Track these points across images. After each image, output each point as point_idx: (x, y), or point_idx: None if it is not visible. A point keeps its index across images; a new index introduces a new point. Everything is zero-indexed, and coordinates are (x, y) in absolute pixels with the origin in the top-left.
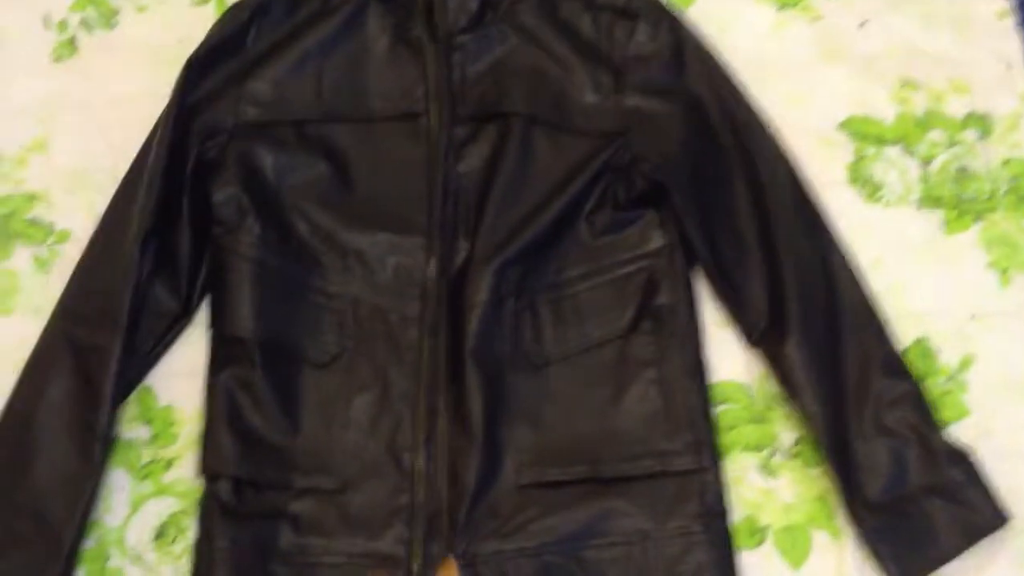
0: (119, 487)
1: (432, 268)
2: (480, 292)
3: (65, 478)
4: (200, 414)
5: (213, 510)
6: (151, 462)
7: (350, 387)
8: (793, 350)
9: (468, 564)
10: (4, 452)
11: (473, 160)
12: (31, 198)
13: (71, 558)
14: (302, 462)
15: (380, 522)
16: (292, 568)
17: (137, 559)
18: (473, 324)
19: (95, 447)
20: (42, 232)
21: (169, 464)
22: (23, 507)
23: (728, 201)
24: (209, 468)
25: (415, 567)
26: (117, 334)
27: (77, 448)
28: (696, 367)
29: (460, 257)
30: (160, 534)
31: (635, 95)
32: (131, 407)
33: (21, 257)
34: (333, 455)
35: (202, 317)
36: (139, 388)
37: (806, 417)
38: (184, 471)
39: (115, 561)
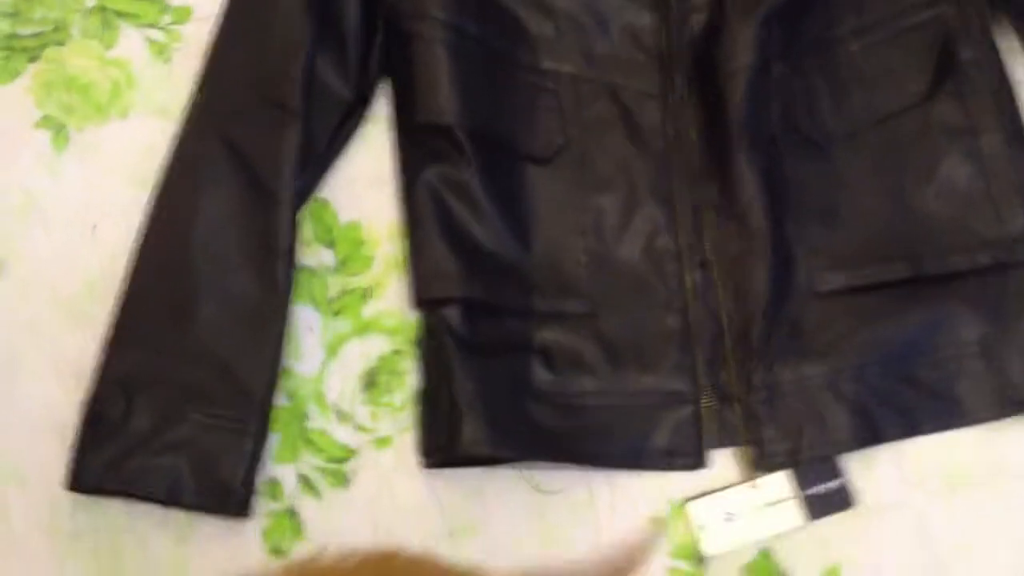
0: (307, 327)
1: (671, 28)
2: (741, 54)
3: (245, 311)
4: (397, 230)
5: (445, 345)
6: (343, 293)
7: (584, 185)
8: None
9: (769, 398)
10: (163, 286)
11: None
12: None
13: (265, 416)
14: (539, 280)
15: (650, 350)
16: (556, 410)
17: (344, 417)
18: (737, 95)
19: (278, 268)
20: (154, 9)
21: (366, 294)
22: (197, 354)
23: None
24: (428, 291)
25: (703, 404)
26: (290, 125)
27: (255, 271)
28: (1019, 134)
29: (700, 14)
30: (370, 383)
31: None
32: (306, 227)
33: (131, 43)
34: (576, 270)
35: (376, 112)
36: (312, 202)
37: None
38: (388, 302)
39: (316, 421)
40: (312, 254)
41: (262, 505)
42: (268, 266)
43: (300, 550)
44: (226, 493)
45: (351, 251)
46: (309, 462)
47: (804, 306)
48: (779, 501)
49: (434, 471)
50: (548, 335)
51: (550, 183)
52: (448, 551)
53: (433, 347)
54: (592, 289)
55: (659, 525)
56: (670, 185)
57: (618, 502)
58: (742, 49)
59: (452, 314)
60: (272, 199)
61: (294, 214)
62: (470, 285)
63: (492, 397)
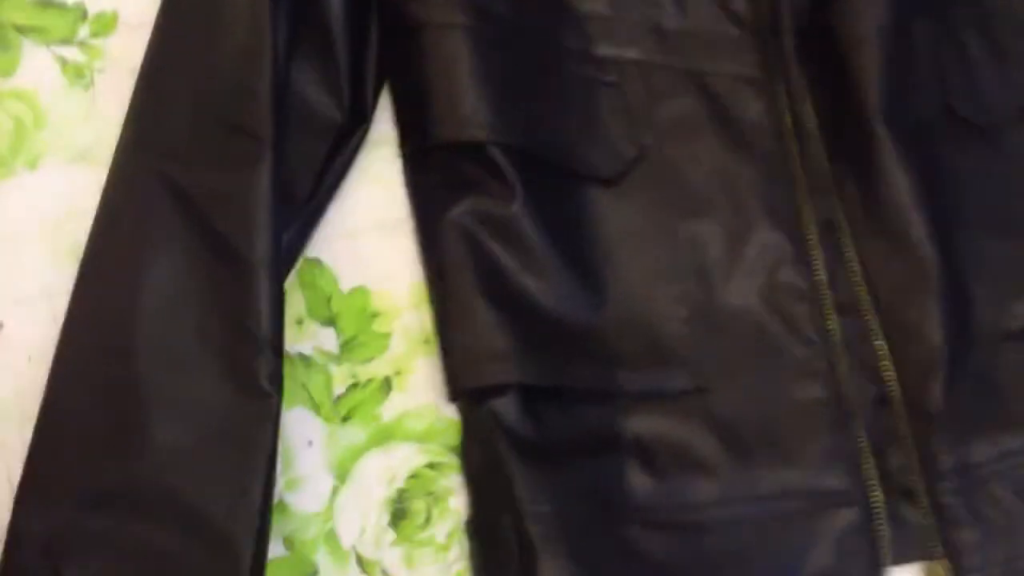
0: (304, 442)
1: None
2: (869, 13)
3: (215, 430)
4: (420, 292)
5: (500, 451)
6: (353, 388)
7: (671, 210)
8: None
9: (964, 486)
10: (97, 405)
11: None
12: None
13: None
14: (622, 347)
15: (788, 434)
16: (666, 532)
17: (368, 566)
18: (870, 70)
19: (258, 363)
20: (66, 19)
21: (385, 387)
22: (151, 501)
23: None
24: (472, 378)
25: (872, 503)
26: (260, 161)
27: (226, 370)
28: None
29: None
30: (400, 513)
31: None
32: (294, 300)
33: (38, 65)
34: (672, 329)
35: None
36: (301, 265)
37: None
38: (415, 395)
39: (328, 574)
40: (306, 337)
41: None
42: (243, 361)
43: None
44: None
45: (360, 328)
46: None
47: (994, 352)
48: None
49: None
50: (642, 424)
51: (624, 211)
52: None
53: (483, 456)
54: (697, 354)
55: None
56: (790, 199)
57: None
58: (870, 6)
59: (506, 406)
60: (242, 266)
61: (277, 284)
62: (528, 364)
63: (575, 523)
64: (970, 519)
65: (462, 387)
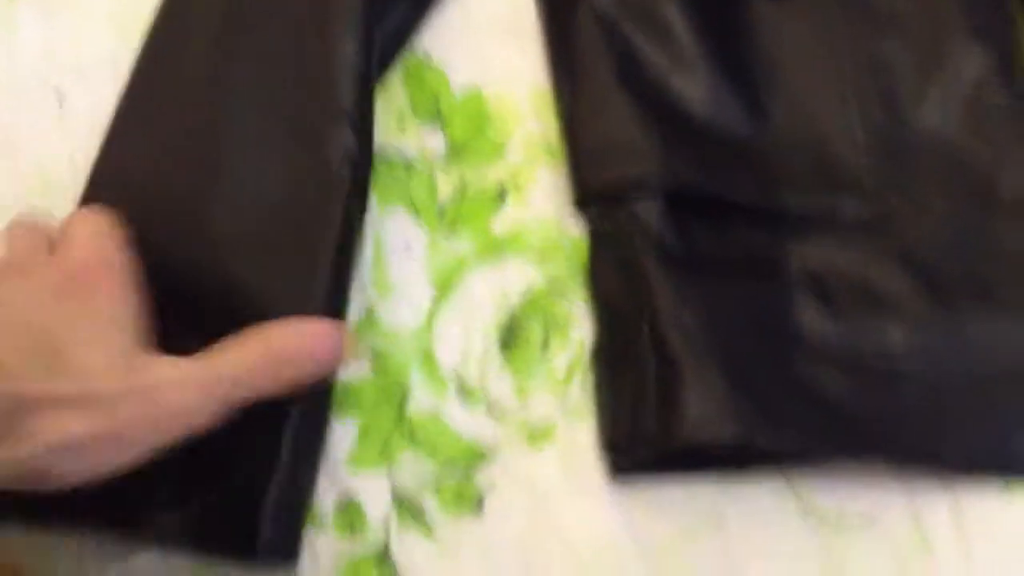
0: (402, 246)
1: None
2: None
3: (283, 213)
4: (545, 96)
5: (642, 260)
6: (461, 196)
7: (850, 26)
8: None
9: None
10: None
11: None
12: None
13: (321, 393)
14: (787, 164)
15: (1002, 272)
16: (848, 375)
17: (471, 394)
18: None
19: (332, 140)
20: None
21: (499, 197)
22: (211, 288)
23: None
24: (605, 169)
25: None
26: None
27: (291, 147)
28: None
29: None
30: (512, 337)
31: None
32: (397, 93)
33: None
34: (850, 155)
35: None
36: (407, 57)
37: None
38: (535, 207)
39: (423, 401)
40: (410, 137)
41: (328, 544)
42: (313, 129)
43: None
44: (250, 527)
45: (473, 132)
46: (413, 470)
47: None
48: None
49: (629, 482)
50: (815, 253)
51: (794, 25)
52: None
53: (618, 268)
54: (879, 181)
55: None
56: (1000, 8)
57: (971, 540)
58: None
59: (648, 211)
60: (326, 27)
61: (368, 55)
62: (675, 162)
63: (730, 342)
64: None
65: (594, 186)
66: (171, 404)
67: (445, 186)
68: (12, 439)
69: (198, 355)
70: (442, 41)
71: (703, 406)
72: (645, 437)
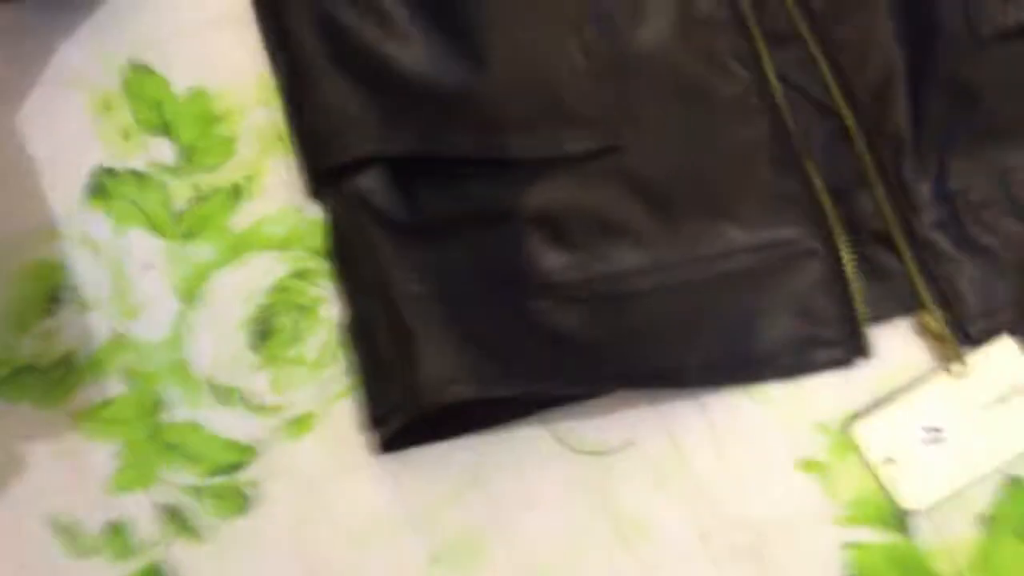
0: (142, 265)
1: None
2: None
3: None
4: (269, 84)
5: (369, 235)
6: (196, 202)
7: None
8: None
9: (951, 215)
10: None
11: None
12: None
13: None
14: (513, 110)
15: (727, 185)
16: (588, 308)
17: (228, 394)
18: None
19: None
20: None
21: (235, 195)
22: None
23: None
24: (329, 155)
25: (844, 253)
26: None
27: None
28: None
29: None
30: (264, 331)
31: None
32: (120, 114)
33: None
34: (572, 83)
35: None
36: (126, 74)
37: None
38: (272, 199)
39: (180, 410)
40: (136, 151)
41: (102, 571)
42: None
43: None
44: None
45: (200, 133)
46: (176, 482)
47: (968, 56)
48: (1012, 392)
49: (396, 455)
50: (546, 194)
51: None
52: None
53: (353, 246)
54: (604, 109)
55: (814, 470)
56: None
57: (726, 449)
58: None
59: (372, 183)
60: None
61: None
62: (392, 131)
63: (461, 302)
64: (962, 253)
65: (321, 167)
66: None
67: (179, 194)
68: None
69: None
70: (160, 48)
71: (439, 368)
72: (395, 408)
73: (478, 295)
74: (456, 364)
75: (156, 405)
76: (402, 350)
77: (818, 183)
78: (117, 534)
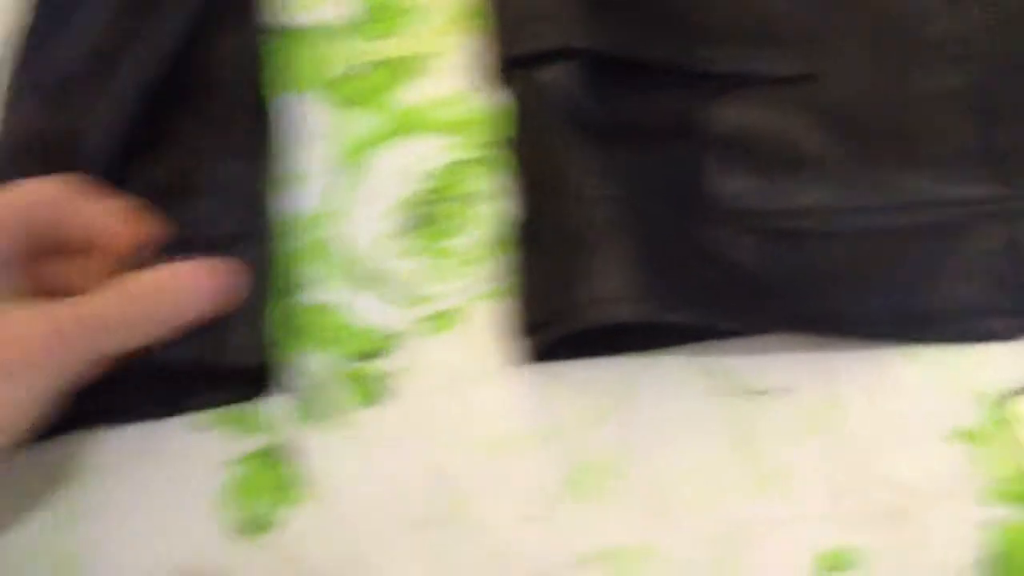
0: (295, 127)
1: None
2: None
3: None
4: None
5: (554, 131)
6: (367, 68)
7: None
8: None
9: None
10: None
11: None
12: None
13: None
14: (709, 18)
15: (920, 130)
16: (761, 241)
17: (375, 279)
18: None
19: None
20: None
21: (407, 68)
22: None
23: None
24: (521, 43)
25: None
26: None
27: None
28: None
29: None
30: (421, 217)
31: None
32: None
33: None
34: (770, 5)
35: None
36: None
37: None
38: (448, 79)
39: (322, 290)
40: (301, 5)
41: (223, 442)
42: None
43: (298, 519)
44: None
45: None
46: (308, 365)
47: None
48: None
49: (538, 367)
50: (734, 113)
51: None
52: (570, 517)
53: (536, 139)
54: (803, 35)
55: (966, 440)
56: None
57: (882, 407)
58: None
59: (566, 76)
60: None
61: None
62: (591, 26)
63: (647, 215)
64: None
65: (513, 53)
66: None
67: (343, 58)
68: None
69: (66, 300)
70: None
71: (612, 283)
72: (554, 317)
73: (657, 212)
74: (630, 281)
75: (294, 285)
76: (574, 258)
77: (1012, 143)
78: (245, 408)
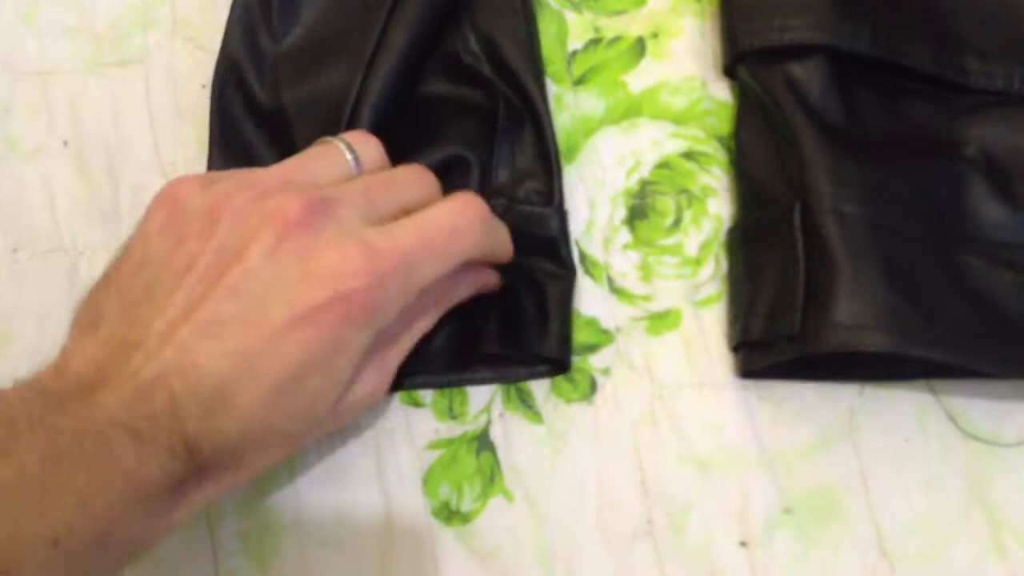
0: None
1: None
2: None
3: None
4: None
5: (796, 130)
6: (595, 43)
7: None
8: None
9: None
10: None
11: None
12: None
13: None
14: (974, 30)
15: None
16: (1016, 273)
17: (592, 267)
18: None
19: None
20: None
21: (637, 48)
22: None
23: None
24: (762, 35)
25: None
26: None
27: None
28: None
29: None
30: (642, 209)
31: None
32: None
33: None
34: None
35: None
36: None
37: None
38: (678, 61)
39: None
40: None
41: (428, 426)
42: None
43: (495, 512)
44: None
45: None
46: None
47: None
48: None
49: (760, 383)
50: (996, 133)
51: None
52: (788, 548)
53: (770, 139)
54: None
55: None
56: None
57: None
58: None
59: (809, 73)
60: None
61: None
62: (842, 21)
63: (889, 234)
64: None
65: (750, 42)
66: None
67: (576, 33)
68: None
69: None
70: None
71: (857, 308)
72: (785, 336)
73: (910, 231)
74: (877, 308)
75: None
76: (814, 276)
77: None
78: (454, 393)
